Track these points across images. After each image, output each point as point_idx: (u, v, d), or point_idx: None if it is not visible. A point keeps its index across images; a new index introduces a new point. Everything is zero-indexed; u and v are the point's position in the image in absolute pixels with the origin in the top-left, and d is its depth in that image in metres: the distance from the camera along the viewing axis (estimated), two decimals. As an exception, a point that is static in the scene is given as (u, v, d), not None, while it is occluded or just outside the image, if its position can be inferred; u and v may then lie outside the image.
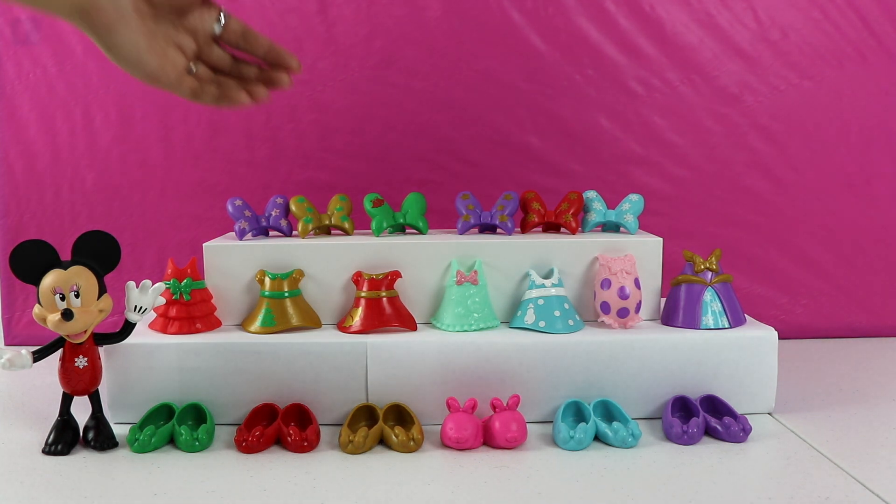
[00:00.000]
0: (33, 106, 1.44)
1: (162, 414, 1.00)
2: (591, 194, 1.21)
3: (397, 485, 0.84)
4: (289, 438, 0.93)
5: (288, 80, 0.71)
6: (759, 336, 1.05)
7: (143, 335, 1.04)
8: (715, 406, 1.02)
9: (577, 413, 1.01)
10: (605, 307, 1.07)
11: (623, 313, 1.06)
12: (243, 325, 1.08)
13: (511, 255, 1.11)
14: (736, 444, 0.95)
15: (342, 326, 1.07)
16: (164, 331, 1.05)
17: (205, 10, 0.68)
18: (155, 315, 1.08)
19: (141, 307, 0.96)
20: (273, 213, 1.17)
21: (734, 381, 1.04)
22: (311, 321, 1.07)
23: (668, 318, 1.09)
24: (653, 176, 1.47)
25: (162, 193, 1.46)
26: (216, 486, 0.84)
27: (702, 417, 0.97)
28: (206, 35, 0.68)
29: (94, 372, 0.95)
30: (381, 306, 1.06)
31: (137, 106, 1.44)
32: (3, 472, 0.88)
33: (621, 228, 1.21)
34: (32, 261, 0.91)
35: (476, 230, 1.20)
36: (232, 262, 1.10)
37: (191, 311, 1.05)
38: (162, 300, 0.99)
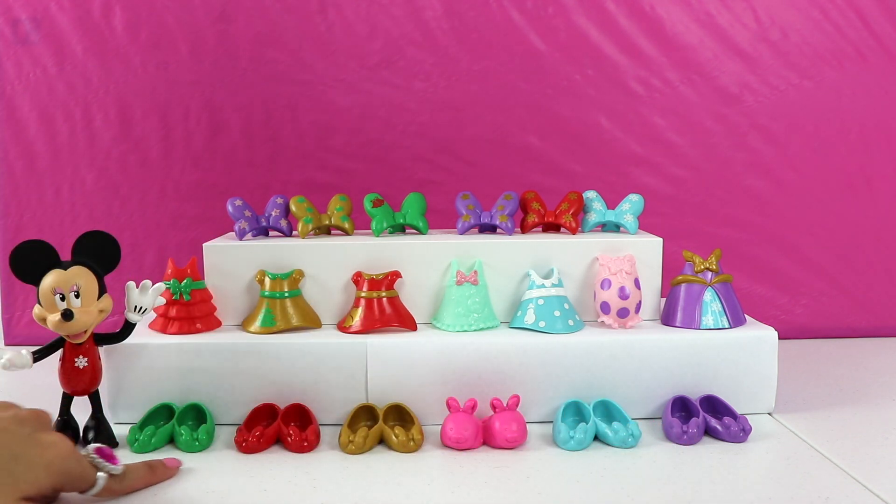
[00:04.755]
0: (33, 106, 1.44)
1: (162, 414, 1.00)
2: (591, 194, 1.21)
3: (397, 485, 0.84)
4: (289, 438, 0.93)
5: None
6: (759, 336, 1.05)
7: (143, 335, 1.04)
8: (715, 406, 1.02)
9: (577, 413, 1.01)
10: (605, 307, 1.07)
11: (623, 313, 1.06)
12: (243, 325, 1.08)
13: (511, 255, 1.11)
14: (736, 444, 0.95)
15: (342, 326, 1.07)
16: (164, 331, 1.05)
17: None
18: (155, 315, 1.08)
19: (141, 307, 0.96)
20: (273, 213, 1.17)
21: (734, 381, 1.04)
22: (311, 321, 1.07)
23: (668, 318, 1.09)
24: (653, 176, 1.47)
25: (162, 193, 1.46)
26: (216, 486, 0.84)
27: (702, 417, 0.97)
28: None
29: (94, 372, 0.95)
30: (382, 306, 1.06)
31: (137, 106, 1.44)
32: (3, 472, 0.88)
33: (621, 228, 1.21)
34: (32, 261, 0.91)
35: (476, 230, 1.20)
36: (232, 262, 1.10)
37: (191, 311, 1.05)
38: (162, 300, 0.99)
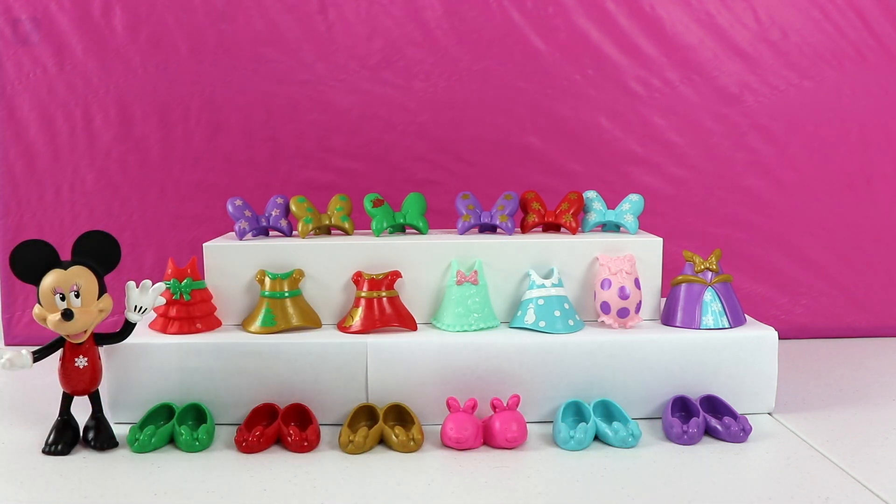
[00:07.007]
0: (33, 106, 1.44)
1: (162, 414, 1.00)
2: (591, 194, 1.21)
3: (397, 485, 0.84)
4: (289, 438, 0.93)
5: None
6: (759, 336, 1.05)
7: (143, 335, 1.04)
8: (715, 406, 1.02)
9: (577, 413, 1.01)
10: (605, 307, 1.07)
11: (623, 313, 1.06)
12: (243, 325, 1.08)
13: (511, 255, 1.11)
14: (736, 444, 0.95)
15: (342, 326, 1.07)
16: (164, 331, 1.05)
17: None
18: (155, 315, 1.08)
19: (141, 307, 0.96)
20: (273, 213, 1.17)
21: (734, 381, 1.04)
22: (311, 321, 1.07)
23: (668, 317, 1.09)
24: (653, 176, 1.47)
25: (162, 193, 1.46)
26: (216, 486, 0.84)
27: (702, 417, 0.97)
28: None
29: (94, 372, 0.95)
30: (382, 306, 1.06)
31: (137, 106, 1.44)
32: (3, 472, 0.88)
33: (621, 228, 1.21)
34: (32, 261, 0.91)
35: (476, 230, 1.20)
36: (232, 262, 1.10)
37: (191, 311, 1.05)
38: (162, 300, 0.99)
